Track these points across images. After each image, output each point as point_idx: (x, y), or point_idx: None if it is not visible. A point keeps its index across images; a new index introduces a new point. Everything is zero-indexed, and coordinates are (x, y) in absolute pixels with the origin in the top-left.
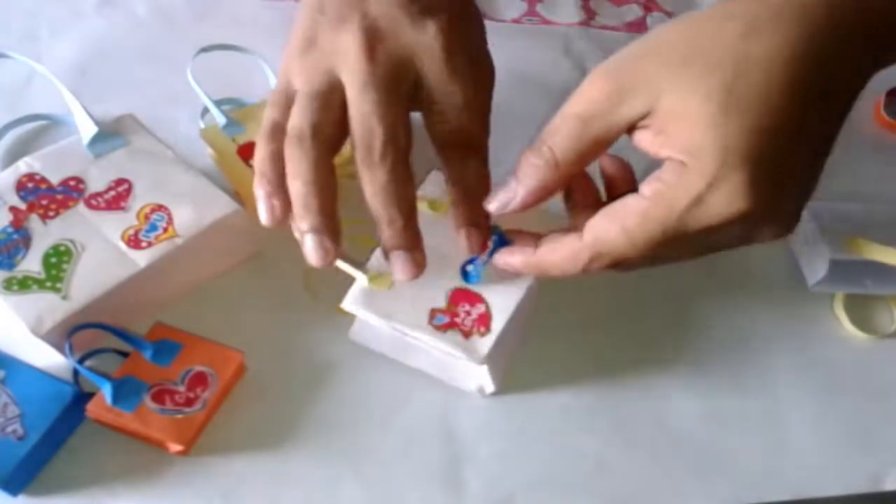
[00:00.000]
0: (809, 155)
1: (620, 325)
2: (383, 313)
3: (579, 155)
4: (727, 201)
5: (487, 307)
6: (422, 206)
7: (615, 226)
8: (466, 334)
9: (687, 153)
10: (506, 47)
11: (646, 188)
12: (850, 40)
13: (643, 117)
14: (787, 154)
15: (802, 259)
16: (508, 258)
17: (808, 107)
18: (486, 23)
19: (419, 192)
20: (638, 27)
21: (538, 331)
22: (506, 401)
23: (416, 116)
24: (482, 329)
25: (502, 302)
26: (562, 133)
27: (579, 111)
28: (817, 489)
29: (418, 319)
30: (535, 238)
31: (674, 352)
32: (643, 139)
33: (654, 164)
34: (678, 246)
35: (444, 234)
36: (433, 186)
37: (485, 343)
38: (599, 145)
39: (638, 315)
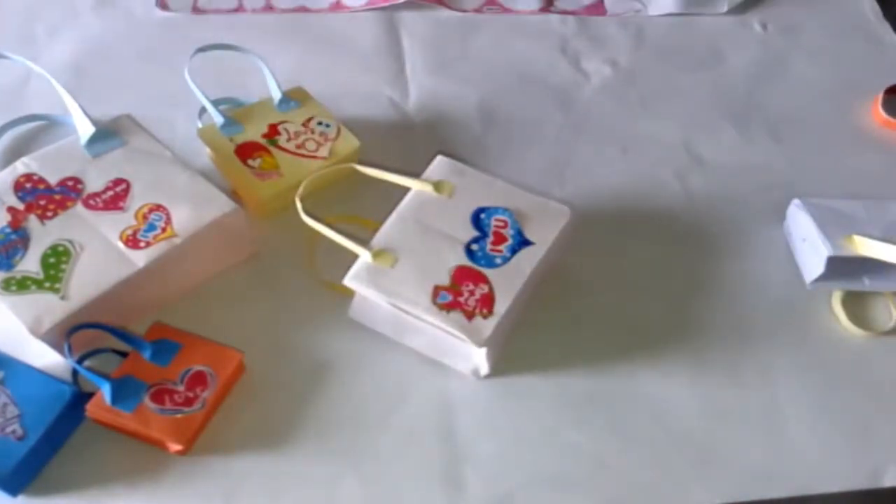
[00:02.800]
0: None
1: (618, 323)
2: (384, 290)
3: None
4: None
5: (491, 288)
6: (427, 188)
7: None
8: (469, 315)
9: None
10: (505, 48)
11: None
12: None
13: None
14: None
15: (800, 256)
16: None
17: None
18: (481, 23)
19: (424, 176)
20: (597, 9)
21: (536, 327)
22: (505, 399)
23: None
24: (485, 311)
25: (506, 283)
26: None
27: None
28: (816, 485)
29: (420, 297)
30: None
31: (673, 349)
32: None
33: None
34: None
35: (448, 214)
36: (438, 170)
37: (487, 325)
38: None
39: (636, 312)
